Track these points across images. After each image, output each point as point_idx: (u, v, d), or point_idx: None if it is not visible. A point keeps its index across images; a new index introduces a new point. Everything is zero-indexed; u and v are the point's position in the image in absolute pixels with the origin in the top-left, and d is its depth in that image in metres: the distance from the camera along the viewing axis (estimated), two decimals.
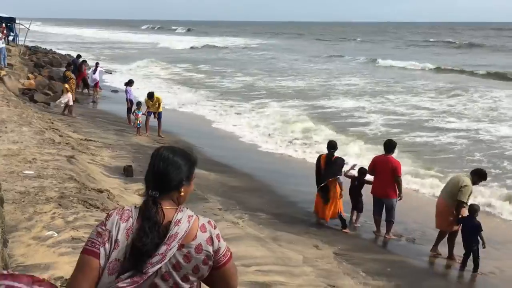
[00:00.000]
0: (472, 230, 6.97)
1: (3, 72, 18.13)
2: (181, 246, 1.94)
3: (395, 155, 8.51)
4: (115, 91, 22.59)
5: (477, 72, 33.03)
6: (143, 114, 14.28)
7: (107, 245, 1.92)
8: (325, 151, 8.48)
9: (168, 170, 2.01)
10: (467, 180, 7.22)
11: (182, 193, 2.06)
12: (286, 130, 15.90)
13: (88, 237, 2.01)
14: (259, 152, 13.59)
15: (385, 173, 8.00)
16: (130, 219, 1.97)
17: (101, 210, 6.06)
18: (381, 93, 24.26)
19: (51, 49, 40.51)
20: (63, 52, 39.95)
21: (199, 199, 8.53)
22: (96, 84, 20.53)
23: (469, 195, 7.23)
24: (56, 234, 5.04)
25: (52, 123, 12.55)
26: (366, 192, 8.56)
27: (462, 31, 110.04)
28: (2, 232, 4.55)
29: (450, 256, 7.39)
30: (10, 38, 32.28)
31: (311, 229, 8.15)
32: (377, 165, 8.17)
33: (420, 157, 12.63)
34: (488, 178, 7.86)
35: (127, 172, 9.31)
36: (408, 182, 10.13)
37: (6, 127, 9.69)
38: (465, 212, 7.15)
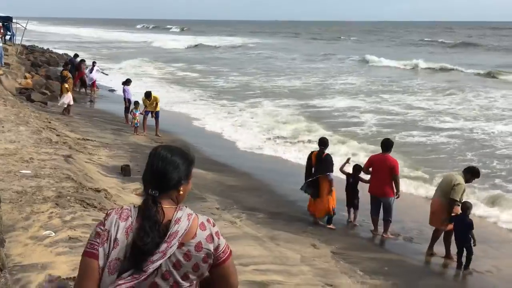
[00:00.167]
0: (464, 228, 6.99)
1: (0, 72, 18.08)
2: (181, 245, 1.95)
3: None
4: (112, 90, 22.53)
5: (470, 71, 33.40)
6: (140, 113, 14.27)
7: (106, 245, 1.93)
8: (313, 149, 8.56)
9: (167, 170, 2.02)
10: (460, 179, 7.26)
11: (181, 192, 2.07)
12: (276, 129, 15.87)
13: (88, 238, 2.02)
14: (240, 150, 13.52)
15: (382, 172, 8.02)
16: (129, 218, 1.97)
17: (98, 210, 6.06)
18: (376, 92, 24.27)
19: (48, 48, 40.44)
20: (60, 51, 39.86)
21: (197, 198, 8.53)
22: (93, 83, 20.51)
23: (462, 193, 7.25)
24: (53, 234, 5.03)
25: (49, 122, 12.53)
26: (363, 190, 8.59)
27: (459, 30, 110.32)
28: None
29: (447, 255, 7.42)
30: (7, 37, 32.23)
31: (309, 228, 8.16)
32: (374, 164, 8.19)
33: (410, 157, 12.56)
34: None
35: (124, 172, 9.30)
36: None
37: (3, 127, 9.67)
38: (458, 210, 7.18)
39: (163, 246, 1.91)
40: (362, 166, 8.67)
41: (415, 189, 10.36)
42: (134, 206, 2.04)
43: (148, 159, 2.08)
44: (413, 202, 9.68)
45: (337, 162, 8.86)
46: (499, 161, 12.54)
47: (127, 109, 15.64)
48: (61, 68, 20.30)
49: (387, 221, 8.09)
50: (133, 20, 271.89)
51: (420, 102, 21.34)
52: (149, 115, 14.30)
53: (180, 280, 1.96)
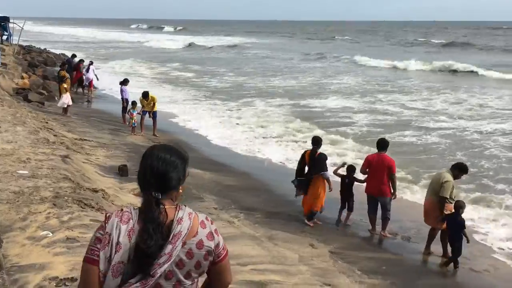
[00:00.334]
0: (456, 227, 7.01)
1: None
2: (183, 244, 1.95)
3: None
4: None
5: (459, 70, 33.98)
6: (138, 113, 14.25)
7: (107, 249, 1.92)
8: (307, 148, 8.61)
9: (168, 170, 2.02)
10: (448, 176, 7.31)
11: (180, 191, 2.09)
12: (269, 129, 15.84)
13: (88, 244, 2.02)
14: (230, 150, 13.45)
15: (380, 172, 8.03)
16: (131, 220, 1.97)
17: (96, 210, 6.05)
18: (372, 92, 24.22)
19: (45, 49, 40.35)
20: (57, 51, 39.76)
21: (195, 198, 8.52)
22: (90, 83, 20.47)
23: (452, 190, 7.29)
24: (51, 234, 5.03)
25: (47, 122, 12.50)
26: (359, 190, 8.59)
27: (455, 30, 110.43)
28: None
29: (445, 254, 7.44)
30: (4, 37, 32.16)
31: (307, 228, 8.17)
32: (372, 164, 8.19)
33: (399, 157, 12.50)
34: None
35: (122, 172, 9.29)
36: None
37: (0, 127, 9.65)
38: (451, 207, 7.20)
39: (168, 247, 1.91)
40: (353, 165, 8.73)
41: (402, 190, 10.33)
42: (134, 208, 2.04)
43: (142, 159, 2.07)
44: (411, 201, 9.69)
45: (329, 162, 8.86)
46: (487, 160, 12.60)
47: (124, 109, 15.62)
48: (58, 68, 20.27)
49: (385, 219, 8.11)
50: (130, 20, 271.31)
51: (413, 103, 21.20)
52: (147, 115, 14.29)
53: (183, 279, 1.97)
